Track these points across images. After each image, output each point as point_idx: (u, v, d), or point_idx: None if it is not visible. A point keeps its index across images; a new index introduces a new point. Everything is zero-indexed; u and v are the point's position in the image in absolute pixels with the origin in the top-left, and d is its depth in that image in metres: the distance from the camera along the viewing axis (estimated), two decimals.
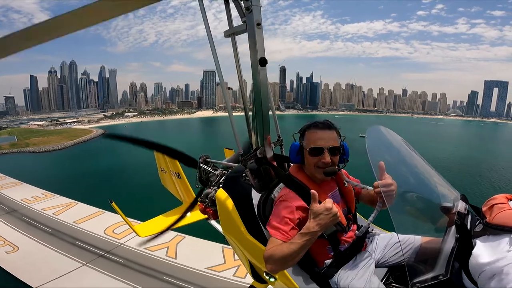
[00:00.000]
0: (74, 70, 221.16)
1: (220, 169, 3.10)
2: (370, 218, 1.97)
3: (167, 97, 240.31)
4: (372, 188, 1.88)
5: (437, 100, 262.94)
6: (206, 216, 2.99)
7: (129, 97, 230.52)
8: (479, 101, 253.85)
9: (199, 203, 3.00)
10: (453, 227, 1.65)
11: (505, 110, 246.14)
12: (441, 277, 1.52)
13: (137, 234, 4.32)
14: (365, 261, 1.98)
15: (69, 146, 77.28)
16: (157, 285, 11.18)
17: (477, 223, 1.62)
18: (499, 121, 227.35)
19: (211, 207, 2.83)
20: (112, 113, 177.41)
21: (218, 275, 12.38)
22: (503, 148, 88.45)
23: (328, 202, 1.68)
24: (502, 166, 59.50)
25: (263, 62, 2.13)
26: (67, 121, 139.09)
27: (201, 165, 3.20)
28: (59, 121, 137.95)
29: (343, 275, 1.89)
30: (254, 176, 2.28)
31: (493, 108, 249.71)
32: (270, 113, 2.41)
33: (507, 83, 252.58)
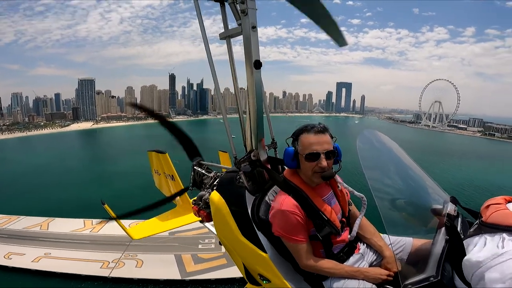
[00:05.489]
0: None
1: (214, 171, 3.14)
2: (357, 223, 2.03)
3: (30, 109, 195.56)
4: (358, 193, 2.04)
5: (306, 100, 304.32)
6: (200, 218, 2.99)
7: None
8: (334, 99, 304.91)
9: (193, 205, 3.01)
10: (443, 228, 1.68)
11: (351, 106, 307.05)
12: (432, 279, 1.52)
13: (130, 237, 4.26)
14: (358, 263, 1.99)
15: None
16: (34, 243, 20.38)
17: (474, 223, 1.63)
18: (347, 115, 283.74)
19: (205, 210, 2.84)
20: None
21: (78, 234, 22.88)
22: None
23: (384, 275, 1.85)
24: None
25: (257, 64, 2.06)
26: None
27: (195, 167, 3.22)
28: None
29: (336, 278, 1.89)
30: (248, 179, 2.20)
31: (343, 104, 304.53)
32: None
33: (351, 84, 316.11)
